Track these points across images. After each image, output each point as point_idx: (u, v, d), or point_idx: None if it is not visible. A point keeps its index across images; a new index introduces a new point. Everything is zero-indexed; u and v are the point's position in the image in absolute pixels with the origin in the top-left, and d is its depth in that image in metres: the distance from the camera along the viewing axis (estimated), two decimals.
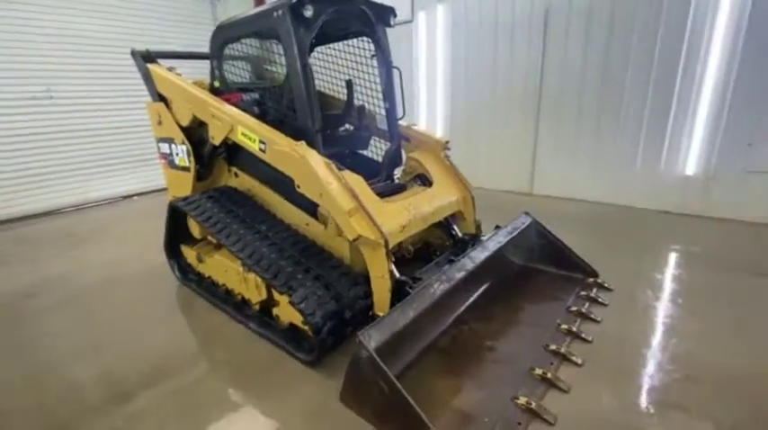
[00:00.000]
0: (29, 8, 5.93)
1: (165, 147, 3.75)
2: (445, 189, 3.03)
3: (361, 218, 2.28)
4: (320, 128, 2.64)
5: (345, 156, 3.44)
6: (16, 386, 2.42)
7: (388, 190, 2.98)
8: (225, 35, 3.03)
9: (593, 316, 2.68)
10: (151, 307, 3.31)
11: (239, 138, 2.79)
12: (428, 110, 6.77)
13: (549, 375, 2.13)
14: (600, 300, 2.86)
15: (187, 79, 3.41)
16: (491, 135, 6.11)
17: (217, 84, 3.28)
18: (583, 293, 2.92)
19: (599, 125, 5.13)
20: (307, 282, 2.37)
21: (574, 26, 5.03)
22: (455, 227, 3.13)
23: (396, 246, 2.67)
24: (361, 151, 3.55)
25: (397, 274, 2.46)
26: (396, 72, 3.14)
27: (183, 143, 3.41)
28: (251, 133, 2.68)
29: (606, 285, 3.05)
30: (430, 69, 6.54)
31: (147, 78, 3.57)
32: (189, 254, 3.40)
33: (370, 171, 3.30)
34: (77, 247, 4.87)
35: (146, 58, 3.59)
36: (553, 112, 5.45)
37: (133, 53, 3.62)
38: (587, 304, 2.82)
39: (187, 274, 3.54)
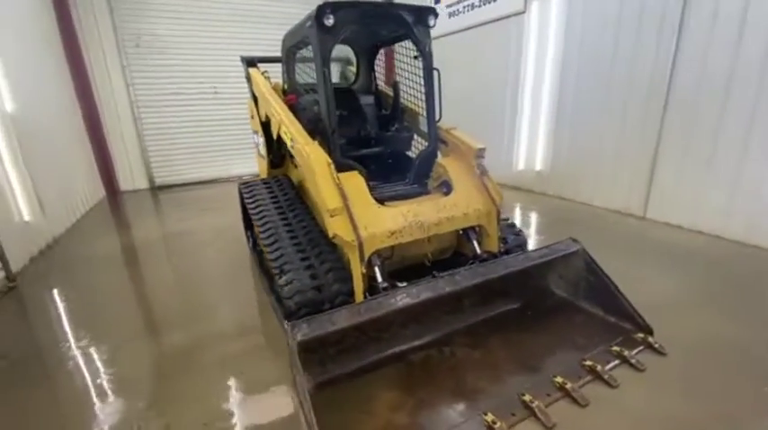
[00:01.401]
0: (201, 22, 7.73)
1: (255, 138, 4.50)
2: (464, 199, 2.81)
3: (342, 218, 2.37)
4: (335, 128, 2.80)
5: (387, 156, 3.52)
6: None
7: (402, 193, 2.94)
8: (287, 42, 3.44)
9: (609, 378, 2.16)
10: (226, 264, 4.20)
11: (283, 135, 3.17)
12: (532, 111, 6.13)
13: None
14: (634, 361, 2.25)
15: (270, 82, 4.00)
16: (601, 143, 5.16)
17: (285, 86, 3.76)
18: (615, 348, 2.35)
19: (749, 138, 3.80)
20: (300, 269, 2.60)
21: (722, 16, 3.82)
22: (474, 242, 2.88)
23: (389, 250, 2.65)
24: (406, 151, 3.56)
25: (380, 279, 2.48)
26: (435, 74, 3.04)
27: (261, 136, 4.04)
28: (287, 130, 3.03)
29: (657, 346, 2.37)
30: (538, 67, 5.88)
31: (248, 80, 4.31)
32: None
33: (399, 172, 3.31)
34: (206, 213, 6.27)
35: (249, 63, 4.33)
36: (683, 120, 4.27)
37: (241, 59, 4.40)
38: (614, 361, 2.28)
39: (256, 245, 4.22)
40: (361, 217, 2.43)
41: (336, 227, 2.33)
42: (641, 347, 2.39)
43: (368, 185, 2.92)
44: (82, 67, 7.05)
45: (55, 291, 3.78)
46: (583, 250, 2.78)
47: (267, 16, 8.15)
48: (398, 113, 3.47)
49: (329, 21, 2.56)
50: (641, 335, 2.46)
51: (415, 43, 2.99)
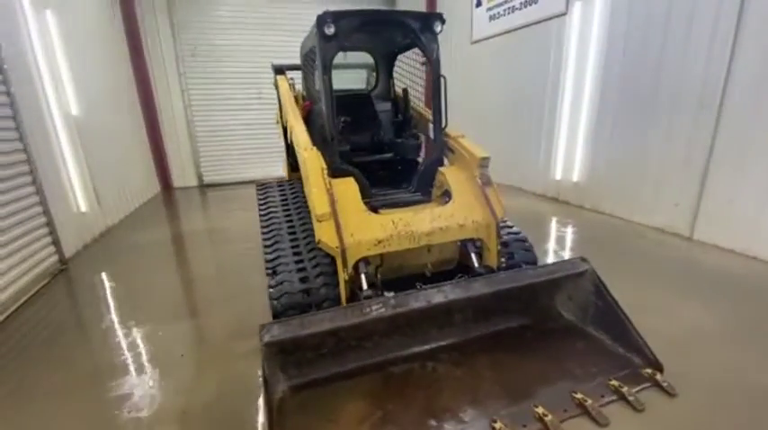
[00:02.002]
0: (250, 32, 8.22)
1: (280, 142, 4.70)
2: (462, 210, 2.70)
3: (329, 224, 2.39)
4: (336, 135, 2.83)
5: (396, 162, 3.50)
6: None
7: (401, 201, 2.90)
8: (303, 50, 3.56)
9: (597, 414, 1.95)
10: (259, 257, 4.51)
11: (293, 139, 3.28)
12: (570, 118, 5.75)
13: None
14: (632, 399, 2.02)
15: (295, 89, 4.16)
16: (644, 155, 4.71)
17: (304, 93, 3.88)
18: (614, 383, 2.12)
19: None
20: (292, 272, 2.67)
21: None
22: (473, 255, 2.75)
23: (378, 258, 2.63)
24: (415, 158, 3.52)
25: (365, 286, 2.46)
26: (441, 80, 2.97)
27: (282, 140, 4.21)
28: (295, 136, 3.12)
29: (666, 385, 2.11)
30: (578, 72, 5.51)
31: (276, 87, 4.52)
32: None
33: (405, 179, 3.27)
34: (246, 211, 6.64)
35: (277, 71, 4.53)
36: (739, 134, 3.76)
37: (272, 66, 4.62)
38: (609, 397, 2.06)
39: None
40: (349, 223, 2.44)
41: (322, 232, 2.36)
42: (646, 384, 2.14)
43: (368, 192, 2.94)
44: (145, 74, 7.81)
45: (101, 275, 4.22)
46: (592, 271, 2.56)
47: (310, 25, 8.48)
48: (408, 120, 3.43)
49: (330, 30, 2.61)
50: (649, 370, 2.20)
51: (422, 50, 2.95)
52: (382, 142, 3.63)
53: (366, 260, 2.51)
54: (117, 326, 3.17)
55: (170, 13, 7.82)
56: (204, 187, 9.01)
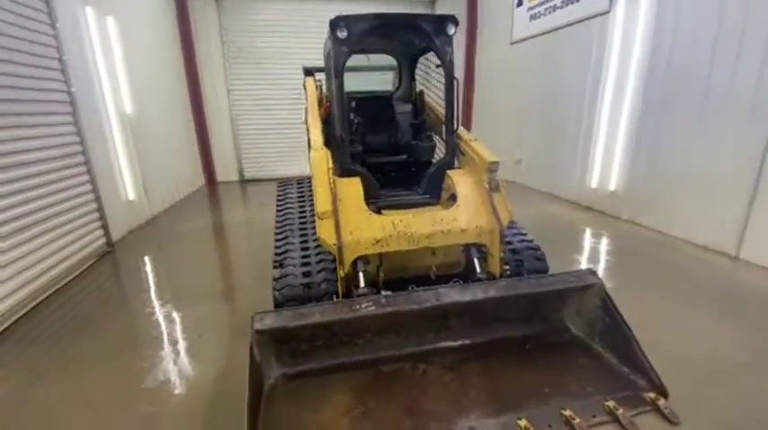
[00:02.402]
0: (292, 34, 8.55)
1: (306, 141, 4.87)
2: (466, 214, 2.66)
3: (329, 222, 2.47)
4: (346, 136, 2.91)
5: (411, 164, 3.52)
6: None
7: (408, 202, 2.92)
8: (324, 52, 3.67)
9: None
10: None
11: (309, 139, 3.40)
12: (610, 123, 5.43)
13: None
14: (625, 422, 1.90)
15: (321, 91, 4.30)
16: (688, 165, 4.34)
17: (327, 94, 4.00)
18: (610, 403, 2.01)
19: None
20: (297, 265, 2.78)
21: None
22: (476, 260, 2.71)
23: (377, 257, 2.66)
24: (429, 160, 3.51)
25: (362, 284, 2.52)
26: (454, 83, 2.95)
27: (307, 139, 4.36)
28: (310, 136, 3.24)
29: (667, 412, 1.96)
30: (620, 75, 5.19)
31: (304, 88, 4.69)
32: None
33: (417, 181, 3.28)
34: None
35: (307, 73, 4.70)
36: None
37: (303, 68, 4.80)
38: (601, 417, 1.96)
39: None
40: (349, 222, 2.50)
41: (322, 229, 2.45)
42: (646, 409, 2.01)
43: (376, 192, 2.99)
44: (195, 75, 8.40)
45: (144, 258, 4.64)
46: (600, 286, 2.43)
47: None
48: (423, 122, 3.44)
49: (342, 33, 2.69)
50: (652, 395, 2.06)
51: (436, 53, 2.94)
52: (399, 144, 3.66)
53: (365, 259, 2.56)
54: (153, 303, 3.51)
55: (219, 17, 8.36)
56: (244, 182, 9.52)
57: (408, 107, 3.95)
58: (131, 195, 5.45)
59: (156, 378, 2.49)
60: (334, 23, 2.67)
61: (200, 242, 5.35)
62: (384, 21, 2.77)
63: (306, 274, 2.71)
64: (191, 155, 8.52)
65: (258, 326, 2.06)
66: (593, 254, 4.40)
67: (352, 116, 3.81)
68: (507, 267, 2.75)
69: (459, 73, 9.43)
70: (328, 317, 2.16)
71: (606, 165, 5.53)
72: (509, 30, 7.71)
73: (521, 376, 2.29)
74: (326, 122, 3.57)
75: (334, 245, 2.40)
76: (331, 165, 2.70)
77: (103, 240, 4.66)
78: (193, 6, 8.12)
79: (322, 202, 2.52)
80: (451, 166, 3.10)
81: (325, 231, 2.45)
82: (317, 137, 3.04)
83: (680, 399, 2.03)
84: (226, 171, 9.38)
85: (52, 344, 2.92)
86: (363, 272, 2.53)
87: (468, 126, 9.89)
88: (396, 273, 2.88)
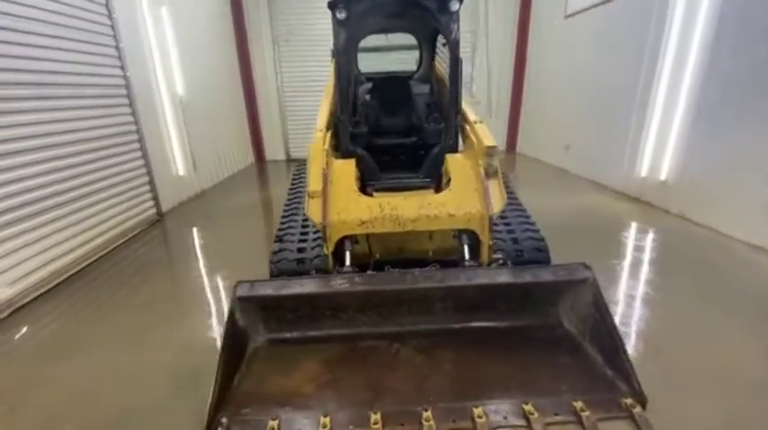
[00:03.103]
0: None
1: None
2: (456, 200, 2.59)
3: (318, 201, 2.56)
4: (345, 118, 2.95)
5: (419, 146, 3.48)
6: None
7: (403, 185, 2.92)
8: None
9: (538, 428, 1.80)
10: None
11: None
12: (666, 102, 4.82)
13: None
14: (588, 425, 1.80)
15: None
16: (756, 154, 3.74)
17: None
18: (578, 403, 1.91)
19: None
20: (294, 242, 2.94)
21: None
22: (465, 247, 2.65)
23: (366, 238, 2.72)
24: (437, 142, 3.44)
25: (348, 262, 2.60)
26: (459, 63, 2.83)
27: None
28: (318, 117, 3.32)
29: (639, 420, 1.82)
30: (681, 44, 4.55)
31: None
32: None
33: (420, 164, 3.25)
34: None
35: (333, 55, 4.77)
36: None
37: (331, 50, 4.88)
38: (563, 416, 1.88)
39: None
40: (337, 202, 2.58)
41: (310, 208, 2.55)
42: (618, 414, 1.88)
43: (375, 175, 3.03)
44: (247, 58, 8.87)
45: (190, 228, 5.18)
46: (593, 281, 2.28)
47: None
48: (434, 103, 3.36)
49: (342, 14, 2.70)
50: (629, 401, 1.92)
51: (440, 30, 2.84)
52: (412, 125, 3.63)
53: (353, 239, 2.64)
54: (193, 266, 4.00)
55: (269, 1, 8.68)
56: (291, 161, 9.98)
57: (426, 88, 3.87)
58: (181, 171, 6.02)
59: (187, 327, 2.90)
60: (333, 4, 2.68)
61: (246, 215, 5.82)
62: (384, 0, 2.73)
63: (300, 250, 2.86)
64: (240, 134, 9.11)
65: (239, 293, 2.25)
66: (633, 258, 3.82)
67: (368, 97, 3.83)
68: (500, 256, 2.65)
69: (510, 49, 8.93)
70: (305, 290, 2.30)
71: (658, 151, 4.96)
72: (564, 1, 7.06)
73: (493, 367, 2.24)
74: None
75: (320, 223, 2.50)
76: (327, 146, 2.78)
77: (154, 210, 5.25)
78: None
79: (313, 182, 2.61)
80: (454, 149, 3.02)
81: (314, 210, 2.55)
82: (321, 118, 3.12)
83: (660, 411, 1.88)
84: (274, 150, 9.90)
85: (100, 294, 3.49)
86: (351, 251, 2.61)
87: (517, 107, 9.36)
88: (392, 255, 2.93)
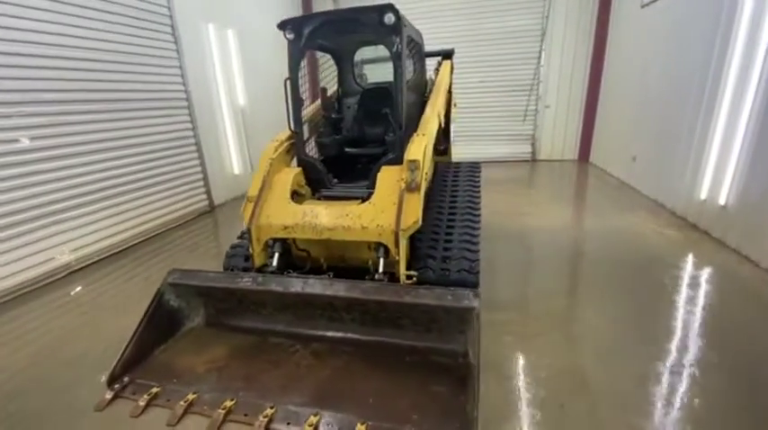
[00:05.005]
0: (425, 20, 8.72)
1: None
2: (372, 212, 2.59)
3: (251, 205, 2.85)
4: (297, 129, 3.18)
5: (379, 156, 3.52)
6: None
7: (343, 195, 3.02)
8: None
9: None
10: None
11: None
12: (731, 111, 3.86)
13: None
14: None
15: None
16: None
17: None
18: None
19: None
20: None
21: None
22: (381, 260, 2.63)
23: (292, 242, 2.90)
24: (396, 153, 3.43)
25: (275, 263, 2.84)
26: (399, 75, 2.81)
27: None
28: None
29: None
30: (749, 44, 3.60)
31: None
32: None
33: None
34: None
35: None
36: None
37: None
38: None
39: None
40: (268, 208, 2.83)
41: (244, 211, 2.86)
42: None
43: (326, 183, 3.21)
44: (315, 73, 9.68)
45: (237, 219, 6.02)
46: (478, 312, 2.11)
47: None
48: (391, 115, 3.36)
49: (290, 35, 2.93)
50: None
51: (382, 44, 2.86)
52: (380, 136, 3.67)
53: (281, 241, 2.86)
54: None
55: None
56: None
57: (413, 97, 3.85)
58: (237, 170, 6.97)
59: None
60: (282, 26, 2.93)
61: None
62: (327, 18, 2.87)
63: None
64: None
65: (170, 279, 2.68)
66: (686, 327, 2.76)
67: (353, 107, 4.02)
68: (414, 273, 2.59)
69: (587, 46, 7.95)
70: (218, 283, 2.62)
71: (720, 167, 4.00)
72: None
73: (365, 383, 2.24)
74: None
75: (248, 226, 2.79)
76: (275, 155, 3.05)
77: (206, 203, 6.22)
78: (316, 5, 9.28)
79: (252, 188, 2.92)
80: (399, 162, 3.00)
81: (246, 212, 2.85)
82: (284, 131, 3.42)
83: None
84: None
85: (154, 265, 4.37)
86: (279, 254, 2.85)
87: (592, 112, 8.33)
88: (335, 262, 3.07)
